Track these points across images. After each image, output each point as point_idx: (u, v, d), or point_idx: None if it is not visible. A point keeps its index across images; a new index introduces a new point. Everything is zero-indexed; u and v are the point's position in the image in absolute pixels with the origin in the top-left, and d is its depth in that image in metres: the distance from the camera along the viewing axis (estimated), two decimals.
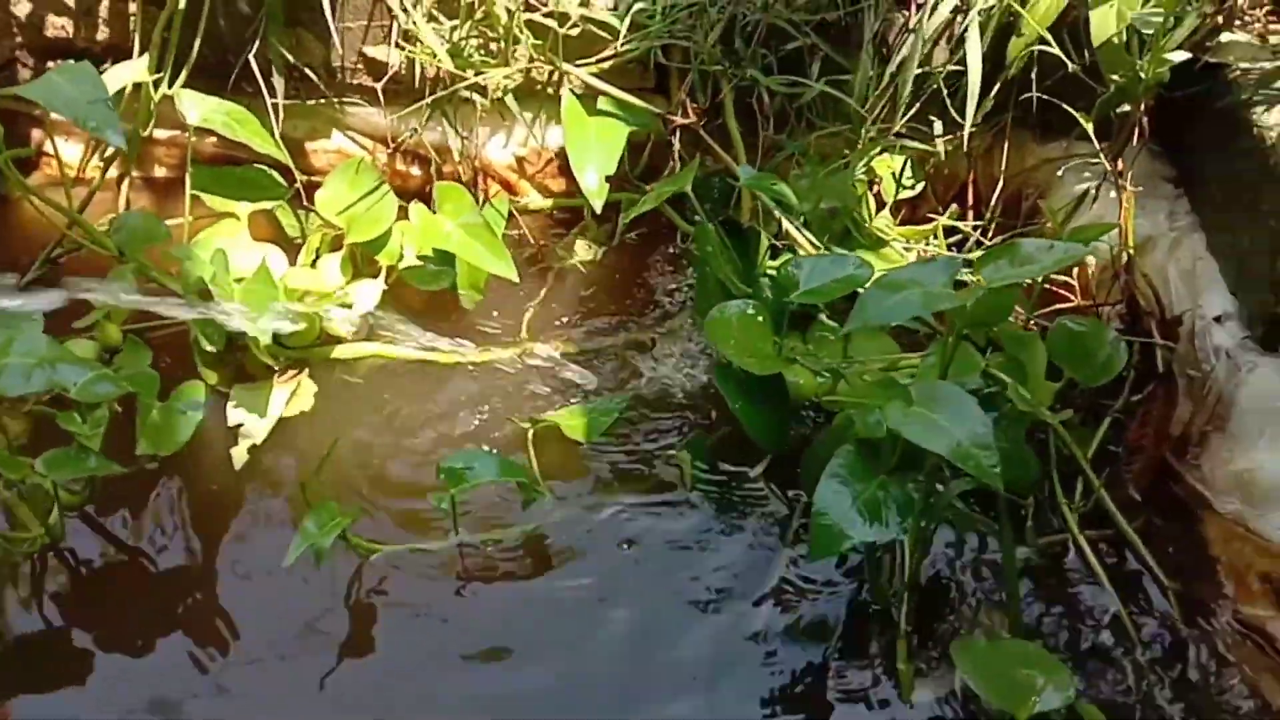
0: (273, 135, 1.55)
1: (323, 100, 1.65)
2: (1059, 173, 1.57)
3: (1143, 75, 1.29)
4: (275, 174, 1.60)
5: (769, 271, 1.48)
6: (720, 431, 1.42)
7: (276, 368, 1.48)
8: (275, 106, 1.57)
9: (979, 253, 1.54)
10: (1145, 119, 1.40)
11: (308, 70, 1.61)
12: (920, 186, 1.62)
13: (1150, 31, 1.24)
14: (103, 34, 1.65)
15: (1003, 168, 1.59)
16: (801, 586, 1.25)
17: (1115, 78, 1.32)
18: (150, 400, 1.31)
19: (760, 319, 1.37)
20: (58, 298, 1.30)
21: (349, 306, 1.56)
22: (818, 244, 1.49)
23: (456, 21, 1.54)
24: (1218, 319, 1.34)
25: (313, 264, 1.59)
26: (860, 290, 1.25)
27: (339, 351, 1.53)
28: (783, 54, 1.52)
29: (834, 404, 1.30)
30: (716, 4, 1.47)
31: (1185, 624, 1.22)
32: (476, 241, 1.49)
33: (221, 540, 1.30)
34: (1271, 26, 1.41)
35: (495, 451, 1.37)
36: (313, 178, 1.68)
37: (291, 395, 1.46)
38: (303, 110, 1.68)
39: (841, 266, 1.37)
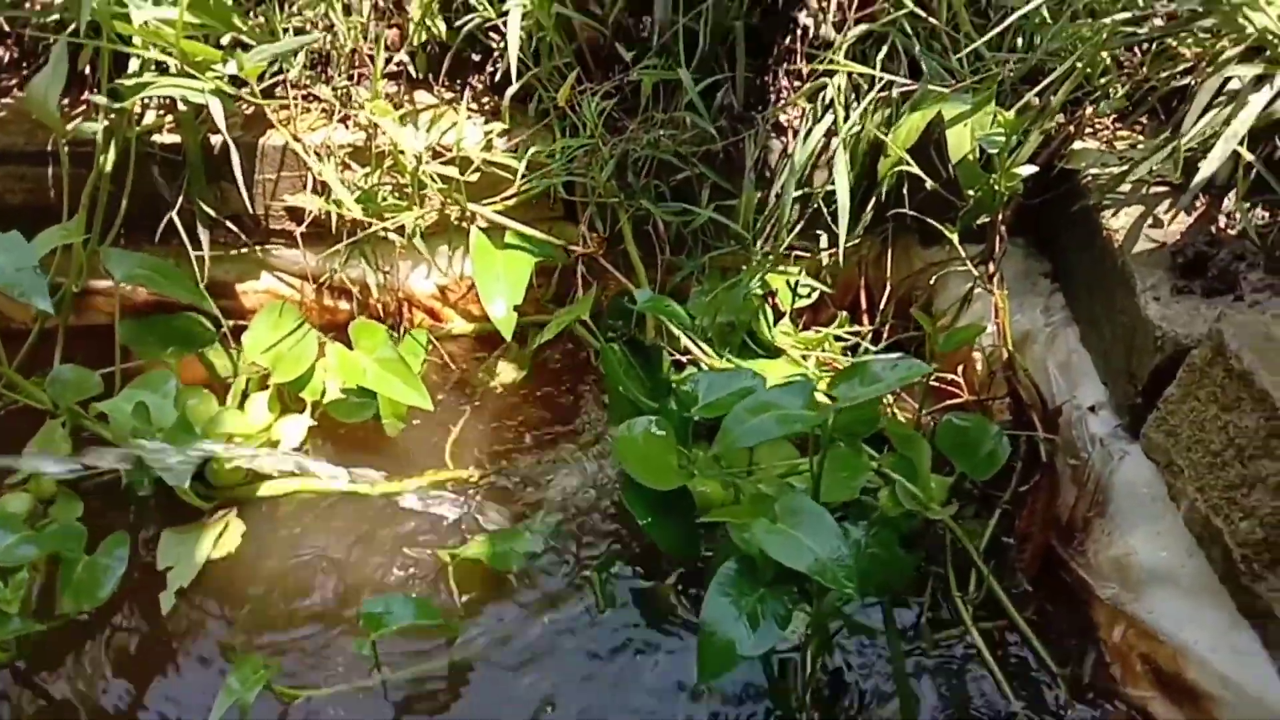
0: (198, 285, 1.62)
1: (249, 246, 1.74)
2: (943, 275, 1.67)
3: (997, 189, 1.39)
4: (204, 320, 1.68)
5: (674, 384, 1.56)
6: (633, 548, 1.47)
7: (206, 509, 1.54)
8: (200, 259, 1.65)
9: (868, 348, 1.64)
10: (1007, 224, 1.50)
11: (229, 224, 1.69)
12: (815, 294, 1.71)
13: (995, 151, 1.35)
14: (34, 195, 1.73)
15: (889, 273, 1.68)
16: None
17: (971, 193, 1.42)
18: (76, 556, 1.36)
19: (665, 435, 1.44)
20: None
21: (276, 444, 1.63)
22: (717, 356, 1.57)
23: (369, 168, 1.64)
24: (1092, 409, 1.42)
25: (240, 404, 1.66)
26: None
27: (265, 489, 1.58)
28: (674, 183, 1.61)
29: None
30: (609, 143, 1.57)
31: (1076, 708, 1.26)
32: (392, 375, 1.56)
33: (150, 688, 1.33)
34: (1119, 133, 1.52)
35: (414, 593, 1.41)
36: (245, 318, 1.75)
37: (219, 537, 1.51)
38: (230, 254, 1.76)
39: (737, 380, 1.45)
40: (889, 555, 1.26)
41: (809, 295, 1.71)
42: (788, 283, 1.68)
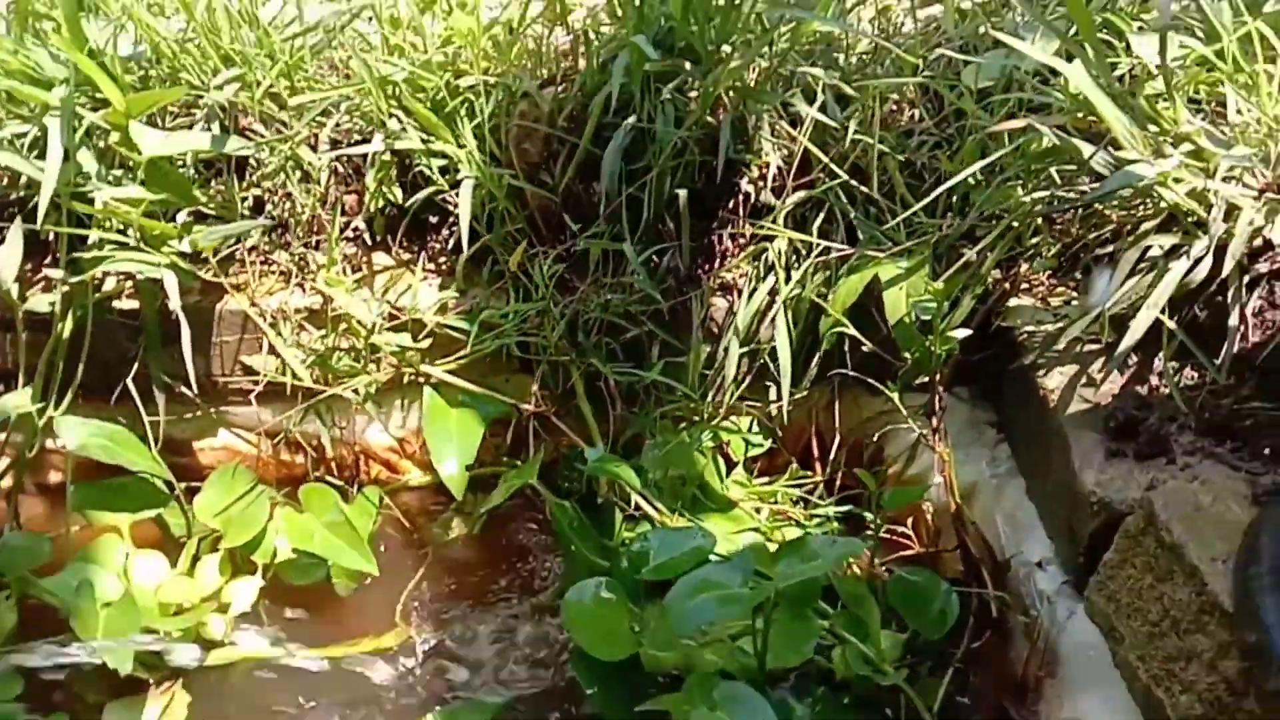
0: (151, 451, 1.63)
1: (205, 408, 1.75)
2: (891, 423, 1.69)
3: (933, 351, 1.43)
4: (157, 482, 1.68)
5: (626, 540, 1.56)
6: (580, 716, 1.46)
7: (152, 680, 1.51)
8: (155, 424, 1.66)
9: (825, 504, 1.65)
10: (946, 381, 1.53)
11: (187, 386, 1.71)
12: (769, 443, 1.73)
13: (928, 317, 1.39)
14: None
15: (838, 422, 1.70)
16: None
17: (908, 355, 1.45)
18: None
19: (615, 599, 1.44)
20: None
21: (227, 607, 1.62)
22: (668, 513, 1.58)
23: (325, 330, 1.67)
24: (1039, 564, 1.42)
25: (191, 567, 1.64)
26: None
27: (214, 657, 1.56)
28: (625, 340, 1.65)
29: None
30: (560, 304, 1.61)
31: None
32: (339, 540, 1.57)
33: None
34: (1055, 289, 1.57)
35: None
36: (203, 475, 1.76)
37: (165, 709, 1.48)
38: (187, 411, 1.77)
39: (688, 539, 1.46)
40: None
41: (761, 444, 1.73)
42: (740, 434, 1.70)
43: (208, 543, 1.68)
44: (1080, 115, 1.29)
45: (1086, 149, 1.28)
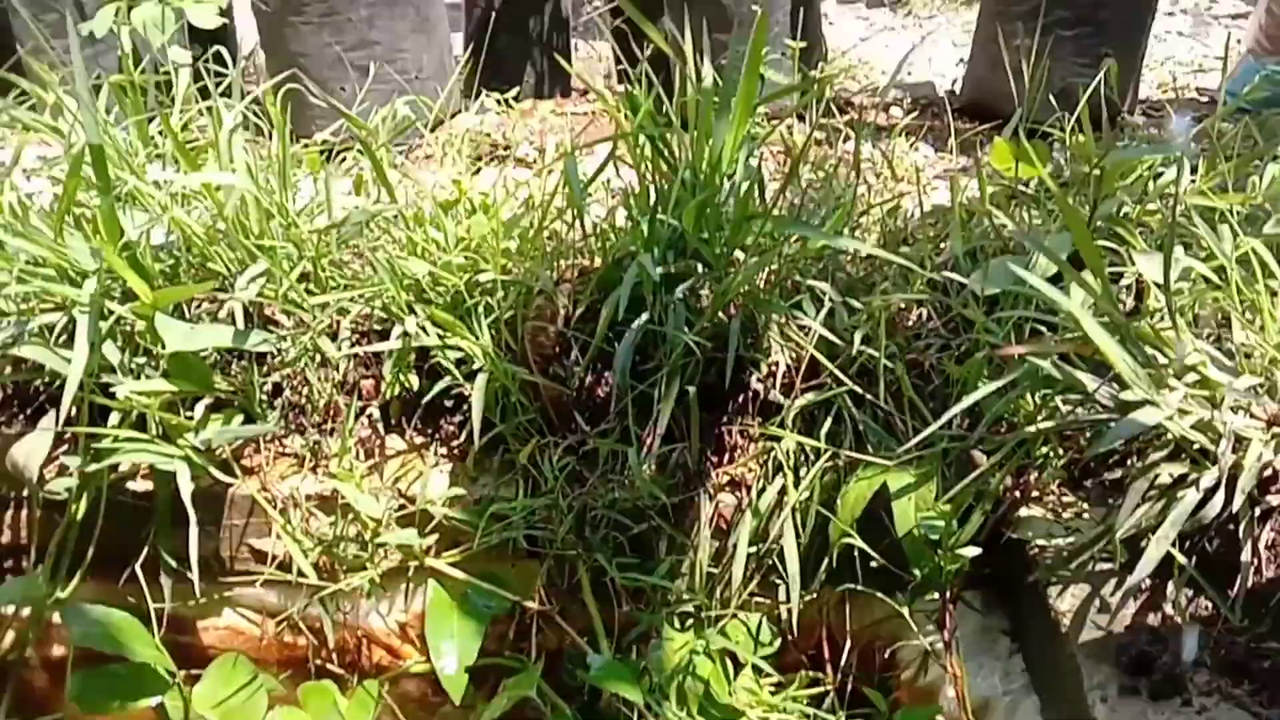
0: (153, 640, 1.62)
1: (212, 589, 1.75)
2: (904, 628, 1.66)
3: (943, 567, 1.41)
4: (158, 668, 1.66)
5: None
6: None
7: None
8: (160, 612, 1.65)
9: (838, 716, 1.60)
10: (957, 595, 1.51)
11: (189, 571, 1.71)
12: (778, 643, 1.70)
13: (935, 537, 1.37)
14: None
15: (849, 623, 1.67)
16: None
17: (917, 571, 1.44)
18: None
19: None
20: None
21: None
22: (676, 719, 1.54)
23: (334, 518, 1.67)
24: None
25: None
26: None
27: None
28: (632, 534, 1.64)
29: None
30: (568, 497, 1.61)
31: None
32: None
33: None
34: (1064, 499, 1.55)
35: None
36: (205, 654, 1.74)
37: None
38: (192, 590, 1.77)
39: None
40: None
41: (770, 644, 1.70)
42: (748, 633, 1.67)
43: None
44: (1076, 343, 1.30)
45: (1089, 381, 1.29)
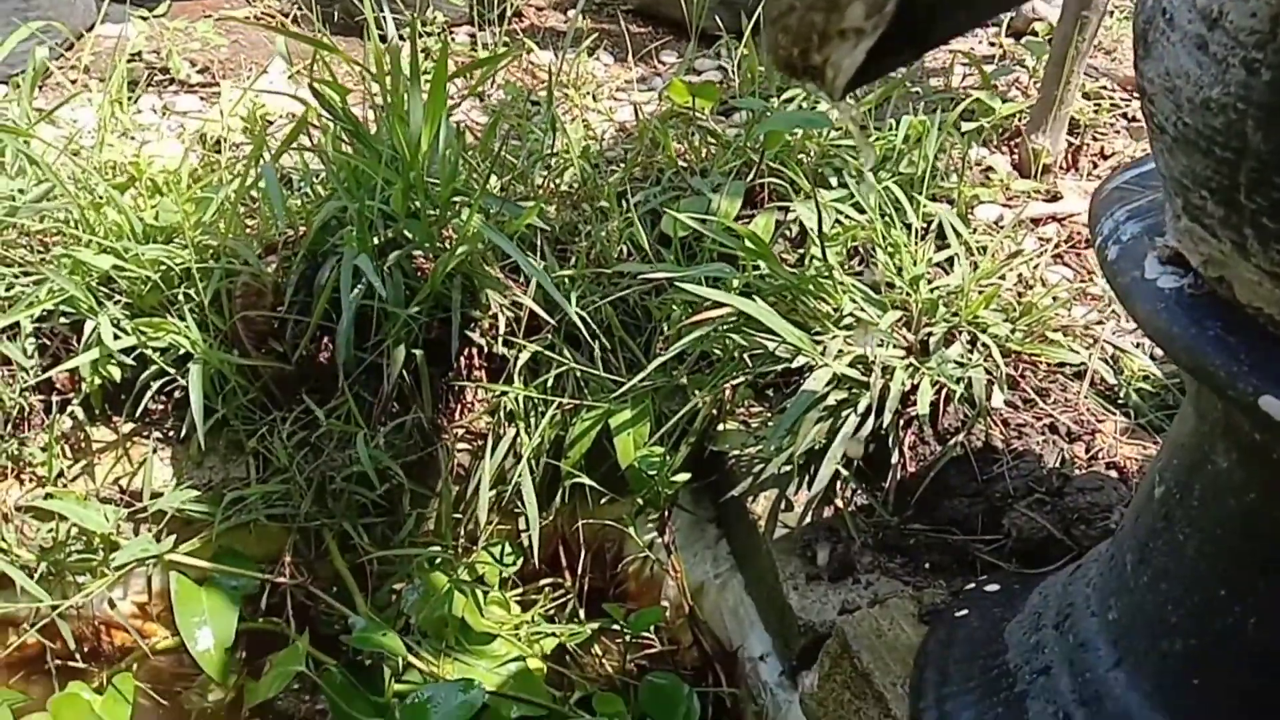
0: None
1: None
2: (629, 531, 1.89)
3: (661, 490, 1.62)
4: None
5: (399, 694, 1.66)
6: None
7: None
8: None
9: (575, 624, 1.83)
10: (672, 506, 1.74)
11: None
12: (519, 560, 1.87)
13: (654, 472, 1.58)
14: None
15: (582, 532, 1.88)
16: None
17: (639, 498, 1.64)
18: None
19: None
20: None
21: None
22: (435, 658, 1.69)
23: (53, 525, 1.60)
24: (761, 657, 1.68)
25: None
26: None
27: None
28: (377, 493, 1.71)
29: None
30: (304, 472, 1.65)
31: None
32: None
33: None
34: (753, 409, 1.81)
35: None
36: None
37: None
38: None
39: (456, 694, 1.59)
40: None
41: (514, 563, 1.87)
42: (493, 558, 1.83)
43: None
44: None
45: (769, 342, 1.51)
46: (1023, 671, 1.23)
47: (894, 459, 1.56)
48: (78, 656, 1.72)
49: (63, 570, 1.61)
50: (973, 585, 1.47)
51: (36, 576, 1.59)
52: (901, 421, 1.57)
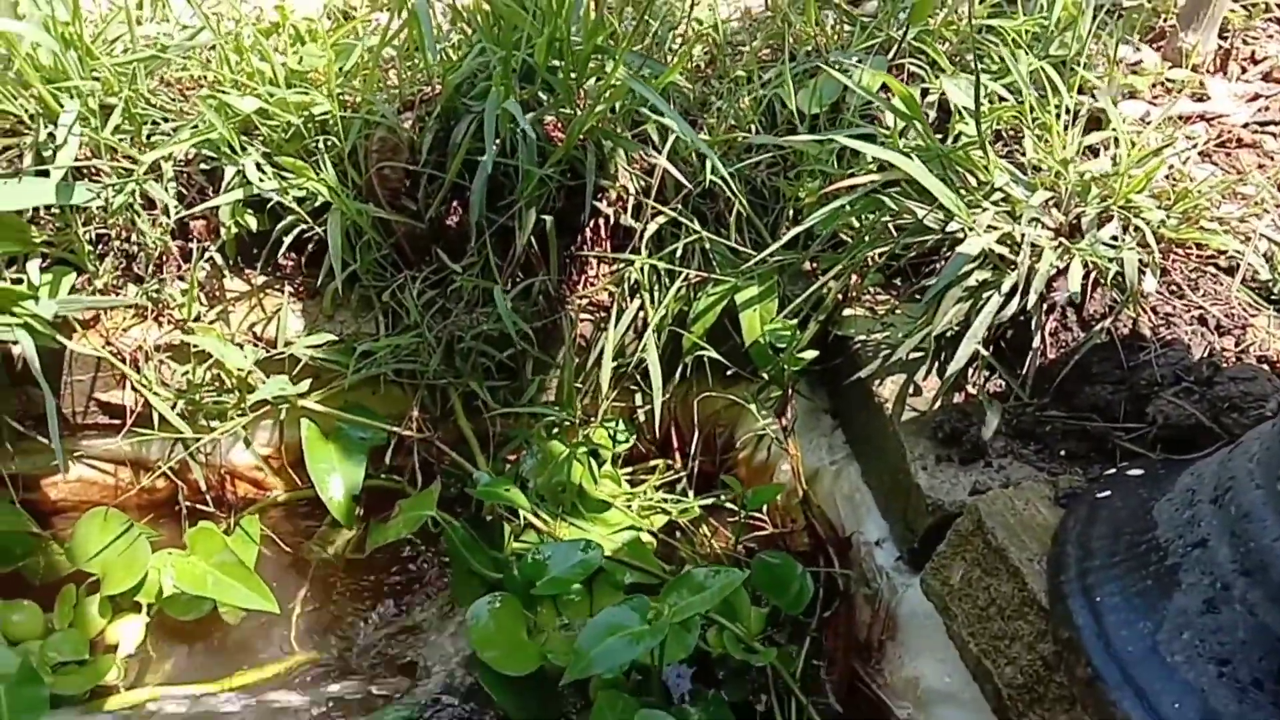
0: (15, 506, 1.58)
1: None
2: (742, 413, 1.87)
3: (785, 368, 1.60)
4: (19, 531, 1.63)
5: (516, 552, 1.68)
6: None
7: None
8: (15, 477, 1.60)
9: (690, 496, 1.83)
10: (795, 387, 1.72)
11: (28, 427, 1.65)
12: (632, 439, 1.88)
13: (783, 346, 1.55)
14: None
15: (695, 414, 1.87)
16: None
17: (764, 374, 1.62)
18: None
19: (511, 610, 1.57)
20: None
21: (115, 648, 1.62)
22: (553, 523, 1.70)
23: (189, 368, 1.64)
24: (877, 543, 1.66)
25: (70, 615, 1.62)
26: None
27: (113, 703, 1.57)
28: (499, 359, 1.72)
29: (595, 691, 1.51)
30: (434, 330, 1.66)
31: None
32: (234, 581, 1.59)
33: None
34: (879, 298, 1.77)
35: None
36: (53, 509, 1.72)
37: None
38: (38, 447, 1.70)
39: (574, 553, 1.60)
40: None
41: (626, 441, 1.87)
42: (609, 434, 1.83)
43: (84, 588, 1.65)
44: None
45: (918, 209, 1.47)
46: (1174, 545, 1.19)
47: (1034, 343, 1.51)
48: (208, 499, 1.77)
49: (198, 411, 1.65)
50: (1113, 470, 1.43)
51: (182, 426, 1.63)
52: (1045, 305, 1.52)
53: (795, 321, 1.57)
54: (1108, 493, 1.36)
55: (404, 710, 1.57)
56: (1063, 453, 1.49)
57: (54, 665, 1.55)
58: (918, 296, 1.74)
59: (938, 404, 1.58)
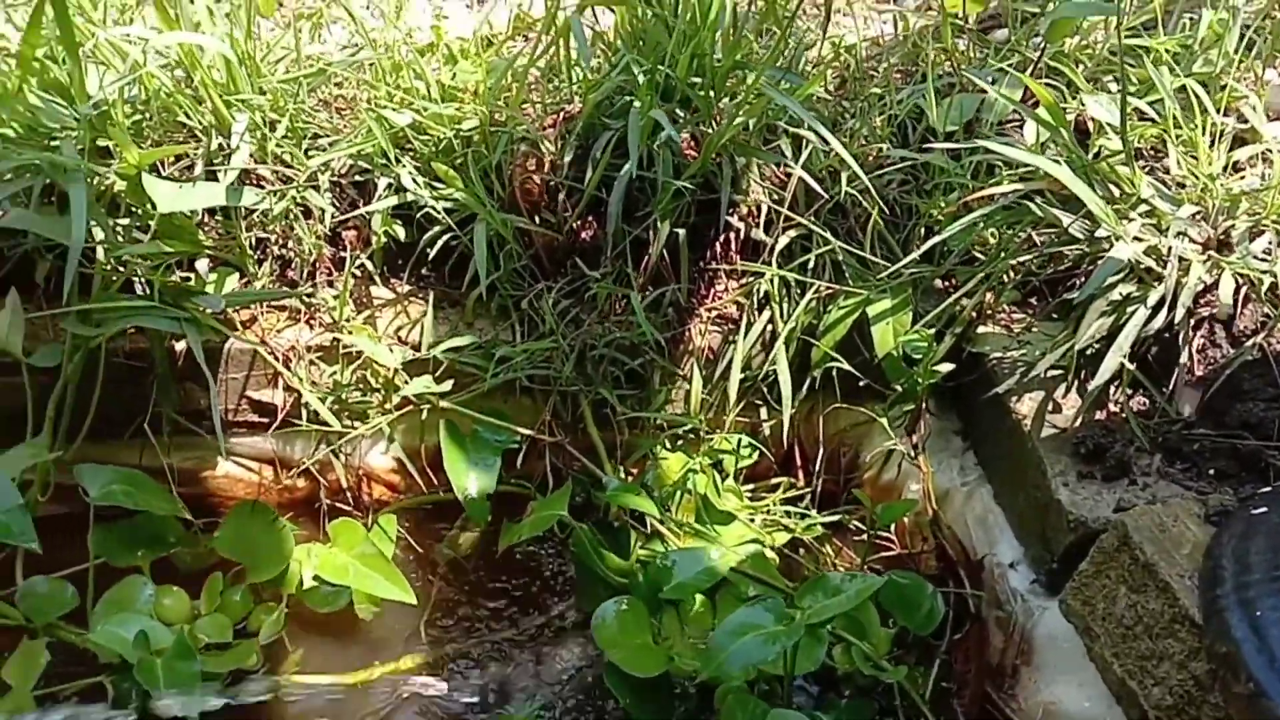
0: (170, 493, 1.67)
1: (213, 441, 1.78)
2: (868, 431, 1.86)
3: (919, 382, 1.59)
4: (171, 518, 1.71)
5: (641, 559, 1.69)
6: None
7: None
8: (171, 468, 1.69)
9: (813, 513, 1.82)
10: (929, 404, 1.70)
11: (187, 421, 1.74)
12: (755, 454, 1.88)
13: (919, 356, 1.55)
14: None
15: (821, 432, 1.86)
16: None
17: (897, 386, 1.62)
18: None
19: (637, 613, 1.58)
20: None
21: (255, 634, 1.68)
22: (679, 532, 1.71)
23: (337, 368, 1.72)
24: (1011, 565, 1.62)
25: (215, 601, 1.69)
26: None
27: (252, 687, 1.62)
28: (628, 368, 1.76)
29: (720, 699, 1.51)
30: (568, 338, 1.71)
31: None
32: (374, 572, 1.65)
33: None
34: (1015, 316, 1.75)
35: None
36: (203, 503, 1.80)
37: None
38: (190, 442, 1.80)
39: (702, 560, 1.61)
40: None
41: (749, 456, 1.88)
42: (732, 447, 1.84)
43: (228, 577, 1.72)
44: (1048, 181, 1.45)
45: (1064, 217, 1.45)
46: None
47: (1181, 359, 1.47)
48: (347, 497, 1.84)
49: (343, 411, 1.72)
50: (1269, 488, 1.38)
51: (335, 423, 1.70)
52: (1192, 320, 1.49)
53: (932, 332, 1.56)
54: (1264, 509, 1.31)
55: (530, 707, 1.59)
56: (1211, 471, 1.44)
57: (200, 647, 1.61)
58: (1054, 316, 1.72)
59: (1079, 421, 1.55)
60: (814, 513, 1.82)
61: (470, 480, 1.70)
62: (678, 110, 1.68)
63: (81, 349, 1.61)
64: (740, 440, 1.85)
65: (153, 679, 1.44)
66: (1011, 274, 1.70)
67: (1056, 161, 1.42)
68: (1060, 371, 1.62)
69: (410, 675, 1.66)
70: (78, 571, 1.64)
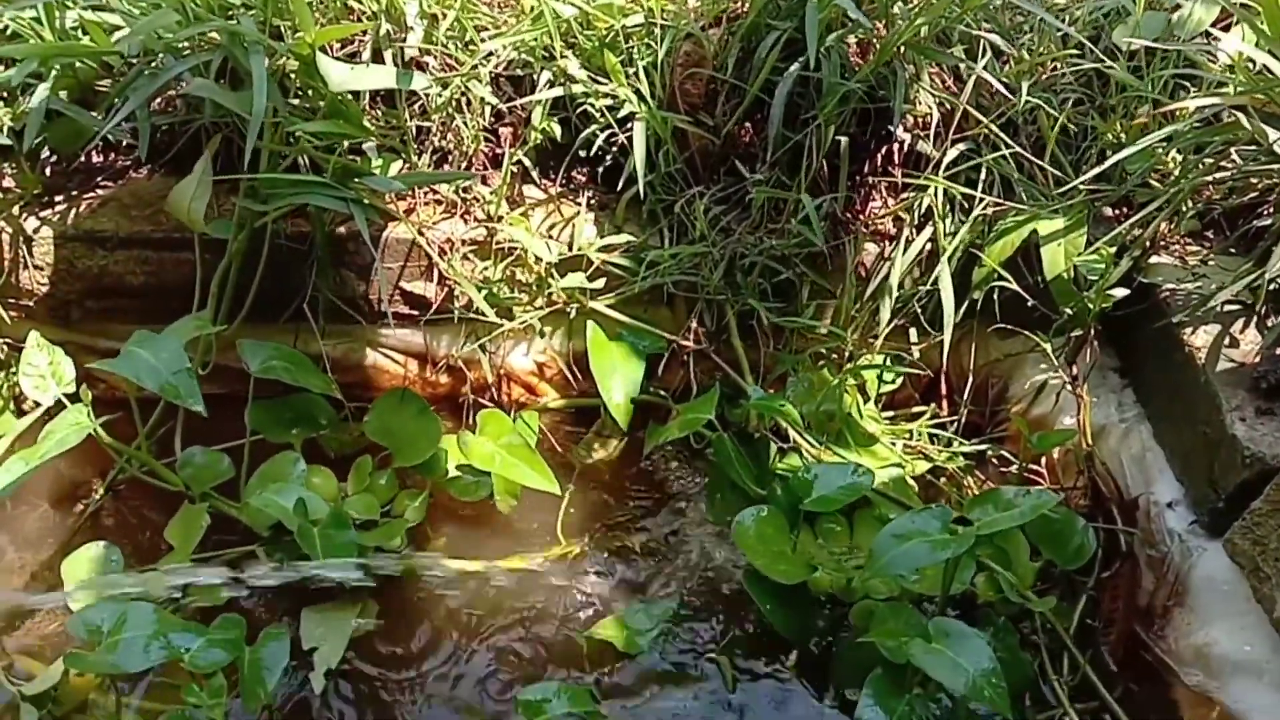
0: (326, 374, 1.71)
1: (365, 328, 1.82)
2: (1018, 364, 1.80)
3: (1090, 306, 1.53)
4: (323, 400, 1.76)
5: (779, 473, 1.68)
6: (750, 630, 1.59)
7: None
8: (324, 354, 1.73)
9: (957, 441, 1.77)
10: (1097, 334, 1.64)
11: (346, 306, 1.78)
12: (899, 380, 1.84)
13: (1095, 277, 1.48)
14: (155, 278, 1.78)
15: (970, 362, 1.81)
16: None
17: (1067, 309, 1.55)
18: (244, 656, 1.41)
19: (776, 523, 1.57)
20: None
21: (400, 515, 1.72)
22: (820, 447, 1.69)
23: (490, 263, 1.73)
24: (1170, 504, 1.56)
25: (363, 483, 1.74)
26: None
27: (396, 564, 1.67)
28: (776, 281, 1.73)
29: (858, 615, 1.49)
30: (719, 245, 1.68)
31: None
32: (520, 462, 1.67)
33: None
34: (1189, 248, 1.66)
35: (550, 673, 1.51)
36: (348, 390, 1.84)
37: (360, 613, 1.60)
38: (341, 330, 1.84)
39: (845, 475, 1.59)
40: (1013, 659, 1.39)
41: (893, 381, 1.84)
42: (877, 372, 1.80)
43: (374, 461, 1.77)
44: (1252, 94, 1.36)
45: (1270, 132, 1.36)
46: None
47: None
48: (490, 394, 1.86)
49: (494, 306, 1.73)
50: None
51: (474, 308, 1.72)
52: None
53: (1113, 250, 1.49)
54: None
55: (666, 603, 1.59)
56: None
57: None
58: (1231, 251, 1.63)
59: (1258, 357, 1.47)
60: (960, 440, 1.77)
61: (615, 384, 1.70)
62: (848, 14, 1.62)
63: (247, 226, 1.66)
64: (887, 360, 1.81)
65: (310, 545, 1.49)
66: (1190, 202, 1.62)
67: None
68: (1238, 306, 1.54)
69: (547, 564, 1.68)
70: (231, 447, 1.70)
